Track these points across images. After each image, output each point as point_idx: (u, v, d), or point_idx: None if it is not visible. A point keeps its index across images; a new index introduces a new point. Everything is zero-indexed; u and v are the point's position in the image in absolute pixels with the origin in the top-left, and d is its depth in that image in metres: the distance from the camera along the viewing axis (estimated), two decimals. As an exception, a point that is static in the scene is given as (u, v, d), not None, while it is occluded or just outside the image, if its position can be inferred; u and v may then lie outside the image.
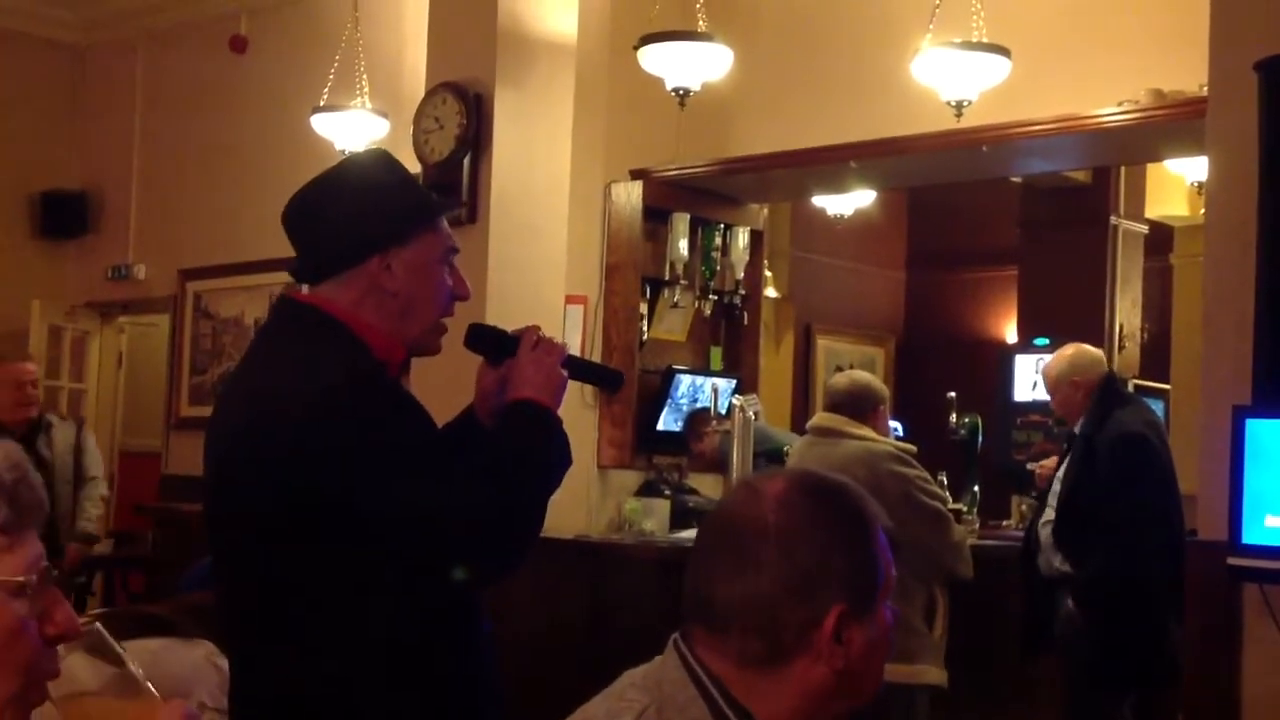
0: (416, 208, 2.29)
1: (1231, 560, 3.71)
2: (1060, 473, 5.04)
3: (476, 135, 5.82)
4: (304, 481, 2.07)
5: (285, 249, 2.30)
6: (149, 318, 9.05)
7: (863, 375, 4.78)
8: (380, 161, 2.35)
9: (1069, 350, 5.19)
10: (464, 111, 5.81)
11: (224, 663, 2.66)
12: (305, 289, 2.34)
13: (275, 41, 7.93)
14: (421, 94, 6.03)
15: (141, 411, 9.15)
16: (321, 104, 6.93)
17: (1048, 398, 5.35)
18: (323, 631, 2.12)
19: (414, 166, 5.98)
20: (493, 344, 2.33)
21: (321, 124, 6.92)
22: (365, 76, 6.94)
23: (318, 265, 2.26)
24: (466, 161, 5.83)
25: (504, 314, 2.50)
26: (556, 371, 2.26)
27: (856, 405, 4.42)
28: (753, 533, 1.52)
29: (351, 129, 6.88)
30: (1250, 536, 3.66)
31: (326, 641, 2.12)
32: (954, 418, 6.28)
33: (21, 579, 1.26)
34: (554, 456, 2.23)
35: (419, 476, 2.09)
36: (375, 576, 2.11)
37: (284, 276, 7.02)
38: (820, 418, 4.53)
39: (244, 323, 7.98)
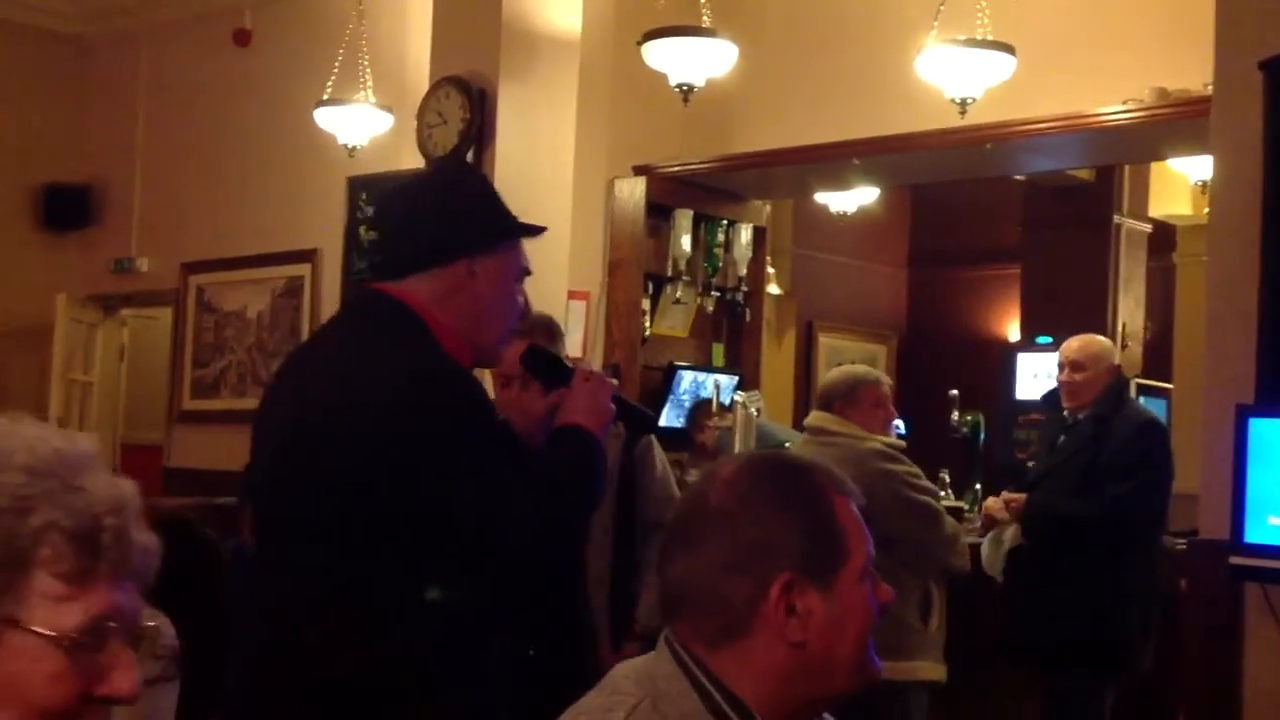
0: (506, 223, 2.42)
1: (1234, 559, 3.72)
2: (1052, 460, 5.00)
3: (480, 130, 5.82)
4: (376, 467, 2.10)
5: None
6: (151, 311, 9.04)
7: (846, 368, 4.70)
8: (475, 173, 2.49)
9: (1098, 337, 5.14)
10: (468, 106, 5.81)
11: None
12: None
13: (279, 35, 7.92)
14: (425, 88, 6.03)
15: (143, 404, 9.15)
16: (325, 98, 6.92)
17: (1049, 388, 5.29)
18: (354, 629, 2.12)
19: (417, 161, 6.00)
20: (549, 368, 2.48)
21: (325, 118, 6.91)
22: (369, 70, 6.94)
23: (405, 259, 2.31)
24: (470, 156, 5.83)
25: (506, 309, 2.54)
26: (607, 405, 2.39)
27: (832, 400, 4.42)
28: (697, 514, 1.56)
29: (355, 123, 6.87)
30: (1253, 536, 3.66)
31: (360, 638, 2.12)
32: (956, 415, 6.27)
33: (54, 634, 1.10)
34: (598, 482, 2.35)
35: (484, 477, 2.14)
36: (418, 575, 2.13)
37: (285, 270, 7.12)
38: (811, 417, 4.54)
39: (246, 316, 7.96)
